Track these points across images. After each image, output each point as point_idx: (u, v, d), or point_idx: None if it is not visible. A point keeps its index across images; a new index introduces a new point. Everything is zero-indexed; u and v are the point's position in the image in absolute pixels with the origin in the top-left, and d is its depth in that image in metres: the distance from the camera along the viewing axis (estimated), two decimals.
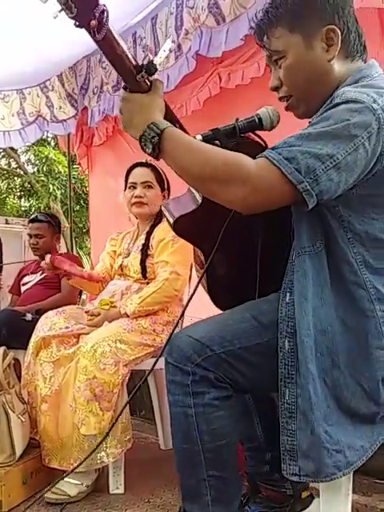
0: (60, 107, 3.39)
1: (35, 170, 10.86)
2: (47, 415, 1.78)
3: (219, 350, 1.03)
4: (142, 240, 2.08)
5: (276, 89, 1.09)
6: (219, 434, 1.04)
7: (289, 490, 1.28)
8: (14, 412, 1.73)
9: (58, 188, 10.07)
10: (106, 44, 0.94)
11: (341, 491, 1.06)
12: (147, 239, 2.06)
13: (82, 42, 2.78)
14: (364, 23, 1.84)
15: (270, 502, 1.29)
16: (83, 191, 9.27)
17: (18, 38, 2.64)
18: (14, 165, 11.43)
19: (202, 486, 1.04)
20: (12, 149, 9.52)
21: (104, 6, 0.88)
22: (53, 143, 9.98)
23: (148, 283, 2.01)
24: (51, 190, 10.00)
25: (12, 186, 11.78)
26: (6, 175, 11.63)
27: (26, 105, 3.48)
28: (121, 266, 2.11)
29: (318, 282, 0.99)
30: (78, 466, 1.56)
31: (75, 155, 3.79)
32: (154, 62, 1.00)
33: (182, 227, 1.17)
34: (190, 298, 1.18)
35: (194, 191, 1.17)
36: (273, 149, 0.94)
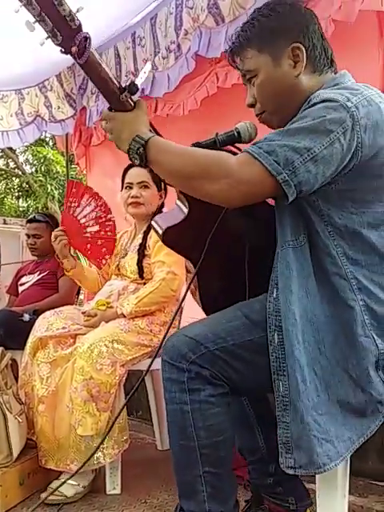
0: (58, 107, 3.38)
1: (33, 170, 10.86)
2: (44, 416, 1.77)
3: (213, 347, 1.06)
4: (139, 240, 2.08)
5: (252, 105, 1.16)
6: (215, 431, 1.06)
7: (292, 505, 1.28)
8: (11, 413, 1.73)
9: (55, 188, 10.07)
10: (90, 67, 1.03)
11: (337, 492, 1.06)
12: (144, 239, 2.06)
13: None
14: (363, 26, 1.86)
15: None
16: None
17: (17, 38, 2.64)
18: (12, 165, 11.43)
19: (197, 482, 1.06)
20: (10, 149, 9.52)
21: (86, 33, 0.98)
22: (51, 143, 9.98)
23: (145, 283, 2.01)
24: (49, 190, 10.01)
25: (10, 186, 11.78)
26: (4, 175, 11.63)
27: (25, 105, 3.47)
28: (118, 266, 2.11)
29: (302, 274, 1.02)
30: (78, 470, 1.56)
31: (73, 155, 3.79)
32: (136, 82, 1.08)
33: (171, 238, 1.22)
34: (182, 301, 1.21)
35: (180, 204, 1.23)
36: (254, 144, 0.99)
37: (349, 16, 1.83)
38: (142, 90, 2.66)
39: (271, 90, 1.11)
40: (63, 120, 3.41)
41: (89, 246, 2.09)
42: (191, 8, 2.32)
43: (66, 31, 0.96)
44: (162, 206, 2.15)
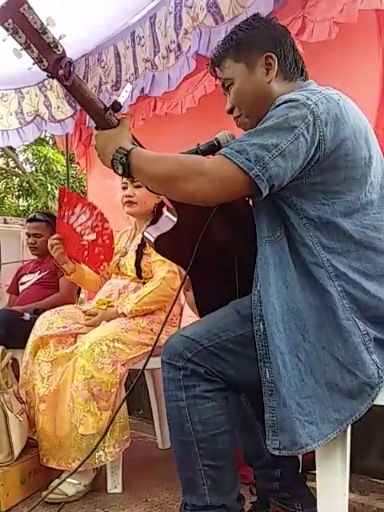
0: (58, 107, 3.38)
1: (33, 169, 10.86)
2: (45, 415, 1.78)
3: (208, 344, 1.11)
4: (138, 240, 2.08)
5: (231, 111, 1.25)
6: (212, 424, 1.09)
7: (298, 510, 1.29)
8: (12, 412, 1.73)
9: (56, 187, 10.06)
10: (76, 89, 1.12)
11: (338, 490, 1.06)
12: (143, 239, 2.06)
13: (79, 41, 2.79)
14: (362, 24, 1.86)
15: None
16: (81, 190, 9.27)
17: None
18: (12, 164, 11.42)
19: (198, 475, 1.09)
20: (10, 148, 9.51)
21: (70, 58, 1.08)
22: (51, 142, 9.98)
23: (145, 283, 2.01)
24: (49, 190, 10.00)
25: (10, 186, 11.77)
26: (5, 175, 11.62)
27: (24, 104, 3.47)
28: (118, 265, 2.12)
29: (280, 267, 1.09)
30: (79, 466, 1.56)
31: (74, 154, 3.78)
32: (118, 100, 1.16)
33: (162, 246, 1.30)
34: (175, 300, 1.31)
35: (168, 215, 1.31)
36: (226, 147, 1.07)
37: (350, 17, 1.83)
38: (142, 89, 2.67)
39: (246, 94, 1.20)
40: (63, 120, 3.41)
41: (86, 253, 2.08)
42: (190, 7, 2.32)
43: (50, 57, 1.05)
44: (162, 205, 2.15)
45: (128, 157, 1.09)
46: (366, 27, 1.92)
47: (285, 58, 1.19)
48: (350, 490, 1.08)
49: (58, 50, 1.05)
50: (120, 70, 2.85)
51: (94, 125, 1.20)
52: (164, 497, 1.72)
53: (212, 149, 1.26)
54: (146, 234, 1.35)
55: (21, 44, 1.02)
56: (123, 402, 1.58)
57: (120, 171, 1.11)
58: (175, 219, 1.26)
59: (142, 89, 2.66)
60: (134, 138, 1.20)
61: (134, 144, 1.17)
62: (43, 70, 1.07)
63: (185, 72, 2.42)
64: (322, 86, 1.16)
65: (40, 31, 1.02)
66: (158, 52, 2.55)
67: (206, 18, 2.25)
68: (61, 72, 1.07)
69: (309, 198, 1.07)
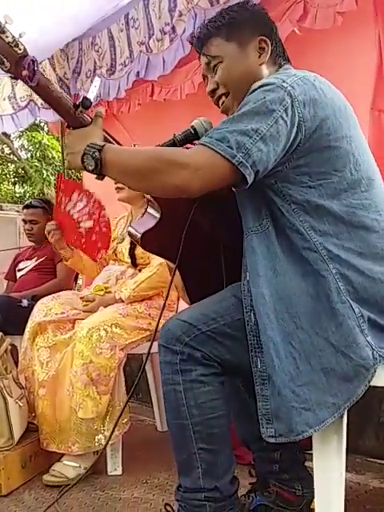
0: None
1: (29, 155, 10.77)
2: (45, 400, 1.79)
3: (205, 329, 1.11)
4: None
5: (213, 92, 1.21)
6: (207, 408, 1.10)
7: (298, 491, 1.31)
8: (11, 397, 1.75)
9: (51, 174, 10.00)
10: (42, 89, 1.07)
11: (334, 469, 1.08)
12: None
13: (71, 22, 2.73)
14: (359, 7, 1.84)
15: (279, 499, 1.32)
16: (77, 176, 9.21)
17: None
18: (7, 151, 11.33)
19: (193, 459, 1.10)
20: (5, 134, 9.42)
21: (33, 57, 1.02)
22: (46, 128, 9.88)
23: (140, 270, 2.01)
24: (45, 176, 9.94)
25: (6, 172, 11.70)
26: (0, 161, 11.53)
27: (18, 89, 3.42)
28: (115, 251, 2.12)
29: (268, 257, 1.08)
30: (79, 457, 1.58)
31: None
32: (88, 96, 1.11)
33: (148, 242, 1.29)
34: (169, 288, 1.27)
35: (151, 211, 1.29)
36: (205, 136, 1.04)
37: (350, 4, 1.82)
38: (137, 73, 2.63)
39: (235, 72, 1.17)
40: None
41: (83, 240, 2.08)
42: None
43: (12, 57, 1.00)
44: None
45: (101, 152, 1.04)
46: (363, 11, 1.90)
47: (276, 46, 1.19)
48: (347, 470, 1.09)
49: (19, 50, 1.00)
50: (114, 54, 2.82)
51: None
52: (163, 478, 1.75)
53: (188, 137, 1.23)
54: (130, 230, 1.33)
55: None
56: (131, 394, 1.59)
57: (91, 167, 1.04)
58: (158, 215, 1.24)
59: (137, 73, 2.63)
60: (110, 136, 1.16)
61: (109, 142, 1.13)
62: (5, 71, 1.01)
63: (179, 55, 2.39)
64: (317, 70, 1.15)
65: None
66: (153, 35, 2.51)
67: (201, 0, 2.22)
68: (24, 72, 1.01)
69: (295, 182, 1.06)
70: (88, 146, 1.05)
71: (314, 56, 2.02)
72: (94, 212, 2.05)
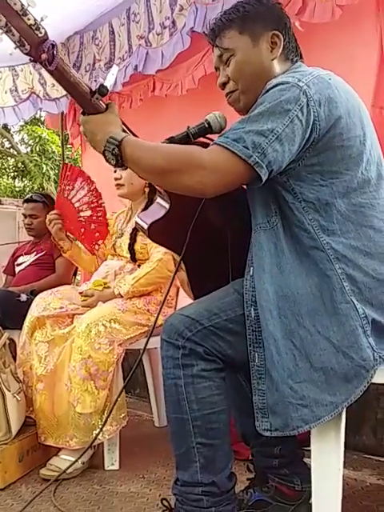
0: (53, 85, 3.32)
1: (28, 150, 10.75)
2: (43, 394, 1.79)
3: (208, 324, 1.11)
4: (133, 222, 2.08)
5: (224, 85, 1.21)
6: (207, 403, 1.10)
7: (297, 486, 1.32)
8: (9, 391, 1.75)
9: (51, 168, 10.00)
10: (60, 74, 1.07)
11: (332, 466, 1.08)
12: None
13: (73, 16, 2.73)
14: (361, 2, 1.83)
15: (277, 494, 1.33)
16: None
17: None
18: (7, 145, 11.31)
19: (191, 453, 1.11)
20: (5, 128, 9.41)
21: (53, 41, 1.02)
22: (45, 123, 9.86)
23: (139, 265, 2.01)
24: (45, 171, 9.93)
25: (5, 166, 11.68)
26: (0, 155, 11.51)
27: (19, 82, 3.41)
28: (114, 246, 2.11)
29: (275, 254, 1.09)
30: (83, 454, 1.58)
31: (68, 135, 3.74)
32: (105, 84, 1.12)
33: (155, 233, 1.28)
34: (171, 283, 1.29)
35: (160, 201, 1.29)
36: (221, 136, 1.05)
37: None
38: (136, 67, 2.62)
39: (247, 67, 1.17)
40: (58, 98, 3.36)
41: (83, 230, 2.11)
42: None
43: (32, 40, 1.00)
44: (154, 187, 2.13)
45: (120, 147, 1.06)
46: (365, 6, 1.89)
47: (289, 41, 1.19)
48: (344, 466, 1.10)
49: (40, 33, 1.00)
50: (114, 48, 2.80)
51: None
52: (160, 473, 1.75)
53: (202, 131, 1.23)
54: (137, 220, 1.33)
55: (0, 27, 0.97)
56: (124, 387, 1.59)
57: (113, 162, 1.08)
58: (167, 206, 1.24)
59: (136, 67, 2.62)
60: (123, 123, 1.17)
61: (124, 131, 1.14)
62: (25, 54, 1.01)
63: (179, 49, 2.38)
64: (318, 65, 1.15)
65: (20, 13, 0.96)
66: (153, 29, 2.50)
67: None
68: (44, 56, 1.01)
69: (306, 180, 1.06)
70: (108, 141, 1.07)
71: (314, 52, 2.01)
72: (93, 201, 2.09)
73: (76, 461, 1.60)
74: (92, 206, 2.10)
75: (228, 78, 1.19)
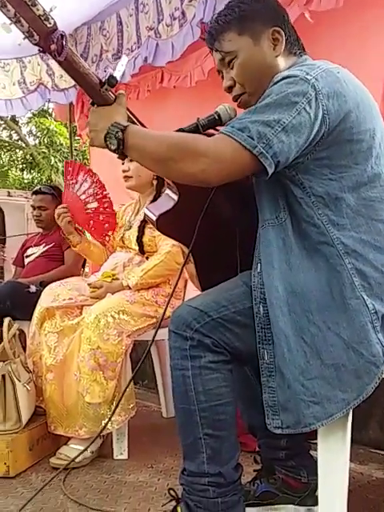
0: (61, 76, 3.31)
1: (37, 142, 10.76)
2: (52, 384, 1.82)
3: (216, 315, 1.11)
4: (141, 215, 2.08)
5: (230, 88, 1.19)
6: (215, 395, 1.11)
7: (304, 478, 1.32)
8: (19, 381, 1.77)
9: (59, 160, 10.00)
10: (69, 64, 1.05)
11: (339, 460, 1.09)
12: None
13: (82, 8, 2.71)
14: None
15: (284, 486, 1.34)
16: (85, 163, 9.19)
17: None
18: (15, 137, 11.33)
19: (198, 444, 1.11)
20: (13, 120, 9.42)
21: (62, 31, 1.01)
22: (54, 115, 9.85)
23: (148, 257, 2.02)
24: (53, 163, 9.94)
25: (14, 159, 11.71)
26: (8, 147, 11.54)
27: (27, 73, 3.41)
28: (122, 238, 2.12)
29: (284, 250, 1.08)
30: (93, 442, 1.62)
31: (76, 126, 3.74)
32: (114, 75, 1.11)
33: (164, 224, 1.27)
34: (180, 275, 1.27)
35: (169, 193, 1.28)
36: (226, 126, 1.03)
37: None
38: (145, 58, 2.61)
39: (252, 68, 1.15)
40: (66, 89, 3.35)
41: (91, 222, 2.12)
42: None
43: (42, 31, 0.99)
44: (163, 179, 2.13)
45: (124, 132, 1.05)
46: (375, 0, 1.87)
47: (290, 35, 1.16)
48: (350, 460, 1.10)
49: (49, 23, 0.99)
50: (122, 39, 2.78)
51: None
52: (168, 463, 1.77)
53: (212, 123, 1.22)
54: (146, 212, 1.33)
55: (9, 18, 0.96)
56: (132, 378, 1.61)
57: (113, 147, 1.06)
58: (176, 197, 1.24)
59: (145, 58, 2.60)
60: (133, 115, 1.16)
61: (132, 122, 1.13)
62: (34, 44, 1.00)
63: (189, 41, 2.36)
64: (329, 56, 1.13)
65: (29, 3, 0.95)
66: (162, 20, 2.48)
67: None
68: (53, 46, 1.00)
69: (315, 174, 1.05)
70: (112, 125, 1.06)
71: (322, 46, 1.99)
72: (97, 192, 2.12)
73: (85, 450, 1.63)
74: (98, 197, 2.12)
75: (234, 82, 1.17)
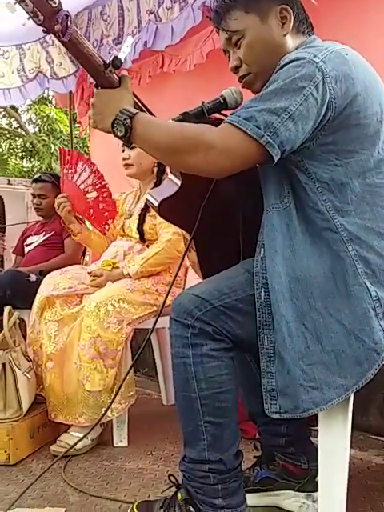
0: (60, 63, 3.28)
1: (36, 129, 10.70)
2: (53, 372, 1.82)
3: (217, 303, 1.11)
4: (142, 203, 2.07)
5: (236, 69, 1.17)
6: (216, 382, 1.11)
7: (304, 464, 1.33)
8: (20, 369, 1.77)
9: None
10: (74, 45, 1.04)
11: (339, 445, 1.09)
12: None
13: None
14: None
15: (284, 472, 1.34)
16: (85, 151, 9.15)
17: None
18: (15, 124, 11.26)
19: (199, 431, 1.12)
20: (13, 108, 9.35)
21: (67, 11, 0.99)
22: (54, 101, 9.78)
23: (148, 245, 2.01)
24: (53, 151, 9.89)
25: (13, 147, 11.65)
26: (8, 135, 11.47)
27: (26, 61, 3.37)
28: (123, 226, 2.11)
29: (287, 235, 1.07)
30: (90, 431, 1.62)
31: (77, 114, 3.71)
32: (119, 56, 1.08)
33: (166, 210, 1.26)
34: (181, 263, 1.27)
35: (172, 178, 1.26)
36: (232, 114, 1.02)
37: None
38: (145, 43, 2.57)
39: (259, 48, 1.12)
40: (65, 77, 3.32)
41: (91, 210, 2.11)
42: None
43: (46, 10, 0.97)
44: (164, 165, 2.11)
45: (132, 120, 1.03)
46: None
47: (298, 13, 1.13)
48: (350, 446, 1.10)
49: (54, 3, 0.97)
50: (123, 23, 2.75)
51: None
52: (168, 450, 1.77)
53: (218, 107, 1.20)
54: (148, 197, 1.32)
55: None
56: (132, 366, 1.60)
57: (121, 133, 1.04)
58: (179, 182, 1.22)
59: (145, 42, 2.57)
60: (137, 97, 1.14)
61: (136, 106, 1.11)
62: (39, 24, 0.98)
63: (189, 24, 2.32)
64: (330, 36, 1.11)
65: None
66: (162, 3, 2.44)
67: None
68: (57, 27, 0.98)
69: (321, 160, 1.04)
70: (120, 111, 1.04)
71: (325, 27, 1.95)
72: (96, 182, 2.10)
73: (84, 436, 1.63)
74: (97, 187, 2.10)
75: (240, 62, 1.15)
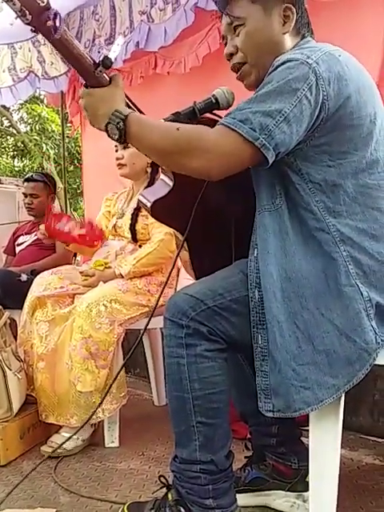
0: (52, 63, 3.28)
1: (28, 128, 10.64)
2: (44, 373, 1.81)
3: (212, 304, 1.11)
4: (135, 202, 2.06)
5: (230, 56, 1.18)
6: (209, 383, 1.11)
7: (294, 464, 1.33)
8: (10, 369, 1.76)
9: (51, 148, 9.91)
10: (62, 45, 1.02)
11: (329, 445, 1.09)
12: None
13: None
14: None
15: (274, 472, 1.35)
16: (77, 151, 9.12)
17: None
18: (6, 123, 11.19)
19: (191, 431, 1.12)
20: (4, 107, 9.26)
21: (55, 10, 0.97)
22: (46, 101, 9.73)
23: (140, 245, 2.01)
24: (44, 150, 9.84)
25: (5, 146, 11.58)
26: None
27: (18, 60, 3.36)
28: (115, 226, 2.11)
29: (279, 236, 1.08)
30: (81, 427, 1.60)
31: (68, 113, 3.70)
32: (109, 56, 1.07)
33: (159, 211, 1.26)
34: (174, 263, 1.27)
35: (164, 178, 1.26)
36: (227, 116, 1.02)
37: None
38: (137, 43, 2.57)
39: (257, 39, 1.13)
40: (56, 77, 3.31)
41: (79, 241, 2.08)
42: None
43: (34, 9, 0.95)
44: (157, 165, 2.10)
45: (126, 122, 1.03)
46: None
47: (301, 15, 1.15)
48: (341, 446, 1.11)
49: (42, 2, 0.95)
50: (114, 24, 2.75)
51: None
52: (159, 451, 1.77)
53: (209, 107, 1.20)
54: (140, 198, 1.31)
55: None
56: (123, 365, 1.60)
57: (115, 137, 1.04)
58: (171, 183, 1.22)
59: (137, 43, 2.56)
60: (127, 97, 1.14)
61: (128, 106, 1.11)
62: (27, 24, 0.96)
63: (182, 25, 2.33)
64: (323, 41, 1.11)
65: None
66: (155, 4, 2.45)
67: None
68: (46, 26, 0.97)
69: (314, 161, 1.05)
70: (113, 114, 1.04)
71: (319, 27, 1.97)
72: (84, 226, 2.06)
73: (72, 435, 1.63)
74: (86, 228, 2.06)
75: (236, 49, 1.16)
